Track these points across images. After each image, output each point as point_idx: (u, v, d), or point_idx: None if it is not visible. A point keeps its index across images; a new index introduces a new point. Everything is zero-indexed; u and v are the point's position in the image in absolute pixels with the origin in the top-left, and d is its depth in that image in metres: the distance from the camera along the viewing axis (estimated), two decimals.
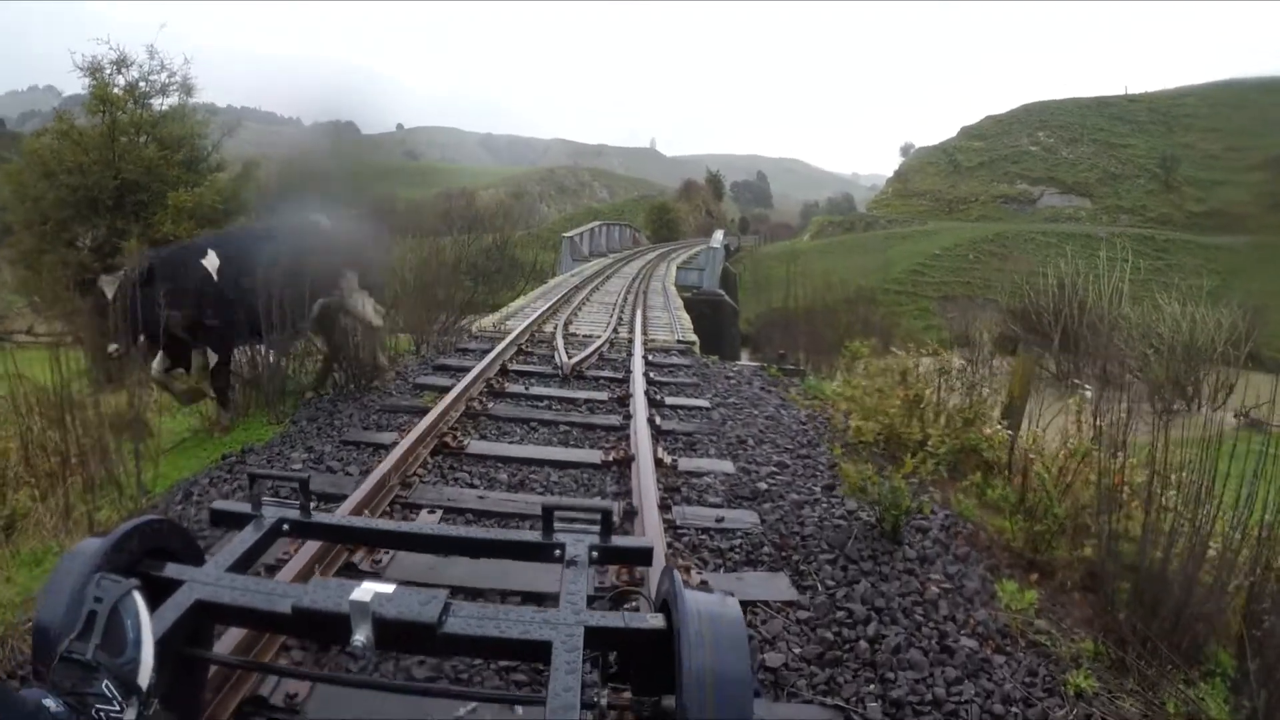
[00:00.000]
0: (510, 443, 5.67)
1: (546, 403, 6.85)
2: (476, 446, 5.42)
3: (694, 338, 11.06)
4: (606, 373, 8.16)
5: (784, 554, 4.04)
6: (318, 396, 7.23)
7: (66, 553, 1.93)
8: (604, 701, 1.91)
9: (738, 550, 4.04)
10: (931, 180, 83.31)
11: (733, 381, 8.56)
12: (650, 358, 9.07)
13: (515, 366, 8.17)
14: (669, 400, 7.02)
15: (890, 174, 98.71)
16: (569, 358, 8.16)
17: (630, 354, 9.04)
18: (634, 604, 2.54)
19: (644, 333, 10.92)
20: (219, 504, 2.49)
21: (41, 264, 13.88)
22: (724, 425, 6.44)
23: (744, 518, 4.41)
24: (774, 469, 5.34)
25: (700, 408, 6.98)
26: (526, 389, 7.20)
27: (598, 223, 39.69)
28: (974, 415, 6.33)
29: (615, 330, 11.16)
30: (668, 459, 5.22)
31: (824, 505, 4.67)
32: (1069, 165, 77.40)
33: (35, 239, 13.84)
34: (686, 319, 13.33)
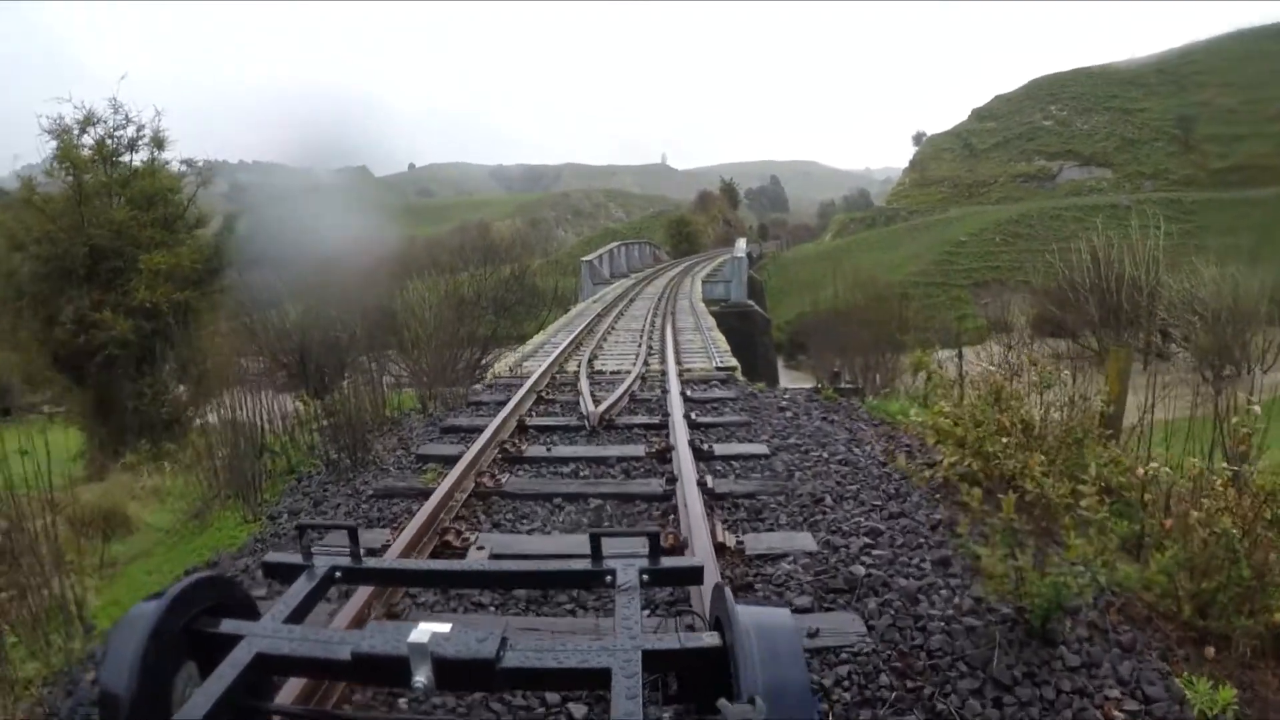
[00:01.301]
0: (529, 531, 4.58)
1: (572, 467, 5.74)
2: (487, 540, 4.33)
3: (734, 362, 9.97)
4: (640, 418, 7.03)
5: (909, 684, 2.92)
6: (307, 477, 6.21)
7: (122, 619, 1.99)
8: None
9: (846, 684, 2.91)
10: (948, 166, 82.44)
11: (788, 414, 7.44)
12: (689, 392, 7.97)
13: (535, 420, 7.09)
14: (719, 450, 5.89)
15: (903, 165, 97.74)
16: (595, 405, 7.04)
17: (666, 390, 7.95)
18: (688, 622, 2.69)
19: (678, 362, 9.84)
20: (271, 556, 2.60)
21: (19, 342, 13.00)
22: (791, 479, 5.31)
23: (844, 626, 3.28)
24: (866, 540, 4.19)
25: (758, 456, 5.85)
26: (549, 450, 6.09)
27: (616, 243, 38.76)
28: (1083, 433, 5.17)
29: (645, 362, 10.07)
30: (730, 539, 4.11)
31: (943, 593, 3.54)
32: (1085, 136, 76.46)
33: (12, 316, 12.92)
34: (722, 340, 12.24)
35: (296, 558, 2.49)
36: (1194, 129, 69.61)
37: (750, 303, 29.12)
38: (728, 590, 1.96)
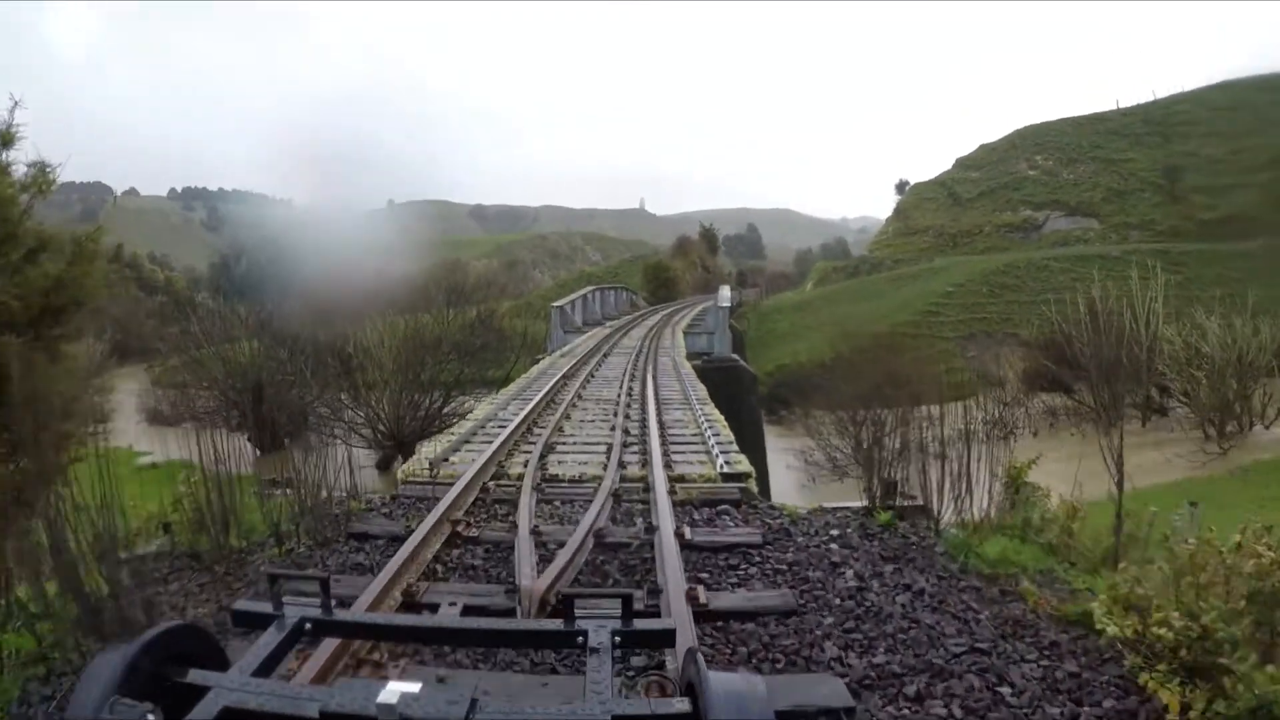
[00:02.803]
0: None
1: None
2: None
3: (743, 463, 7.14)
4: (609, 603, 4.20)
5: None
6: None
7: (89, 667, 1.97)
8: None
9: None
10: (932, 215, 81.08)
11: (846, 573, 4.72)
12: (689, 532, 5.21)
13: (434, 590, 4.27)
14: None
15: (879, 214, 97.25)
16: (537, 572, 4.21)
17: (652, 525, 5.16)
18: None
19: (666, 465, 7.01)
20: (240, 604, 2.57)
21: None
22: None
23: None
24: None
25: (840, 712, 3.09)
26: (441, 681, 3.33)
27: (591, 288, 36.13)
28: None
29: (621, 462, 7.25)
30: None
31: None
32: (1071, 186, 75.53)
33: None
34: (719, 420, 9.36)
35: (267, 606, 2.43)
36: (1180, 179, 68.59)
37: (735, 357, 26.55)
38: (699, 655, 1.98)
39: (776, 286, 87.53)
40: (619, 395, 11.80)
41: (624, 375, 14.39)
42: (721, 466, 6.92)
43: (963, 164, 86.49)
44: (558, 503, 5.91)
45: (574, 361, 16.27)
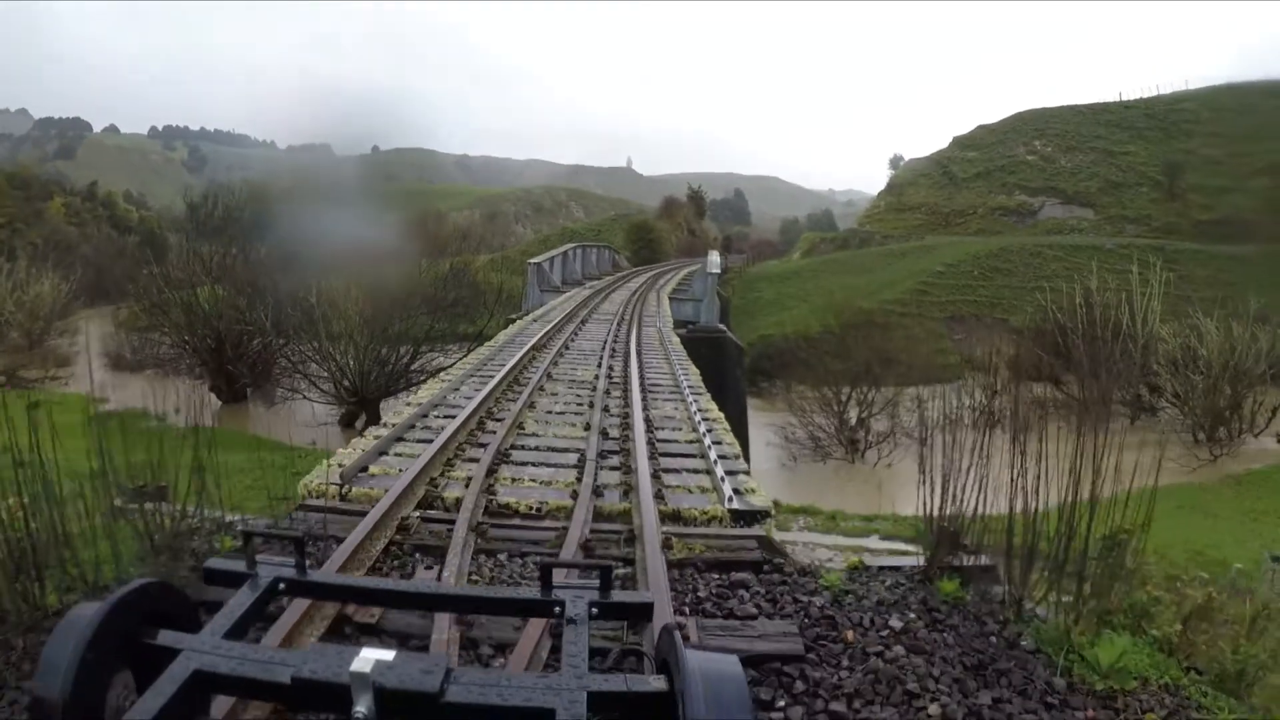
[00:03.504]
0: None
1: None
2: None
3: (762, 497, 5.39)
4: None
5: None
6: None
7: (61, 622, 1.93)
8: None
9: None
10: (925, 193, 79.64)
11: (928, 708, 3.08)
12: (699, 633, 3.44)
13: None
14: None
15: (866, 188, 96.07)
16: None
17: (642, 611, 3.45)
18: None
19: (658, 497, 5.18)
20: (213, 562, 2.54)
21: None
22: None
23: None
24: None
25: None
26: None
27: (572, 245, 34.26)
28: None
29: (597, 488, 5.43)
30: None
31: None
32: (1068, 174, 74.19)
33: None
34: (719, 421, 7.53)
35: (240, 565, 2.39)
36: (1180, 177, 67.28)
37: (722, 327, 24.94)
38: (677, 634, 1.94)
39: (762, 254, 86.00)
40: (596, 377, 10.04)
41: (603, 349, 12.64)
42: (730, 499, 5.19)
43: (960, 143, 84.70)
44: (504, 555, 4.18)
45: (547, 329, 14.49)
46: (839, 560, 4.81)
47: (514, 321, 18.86)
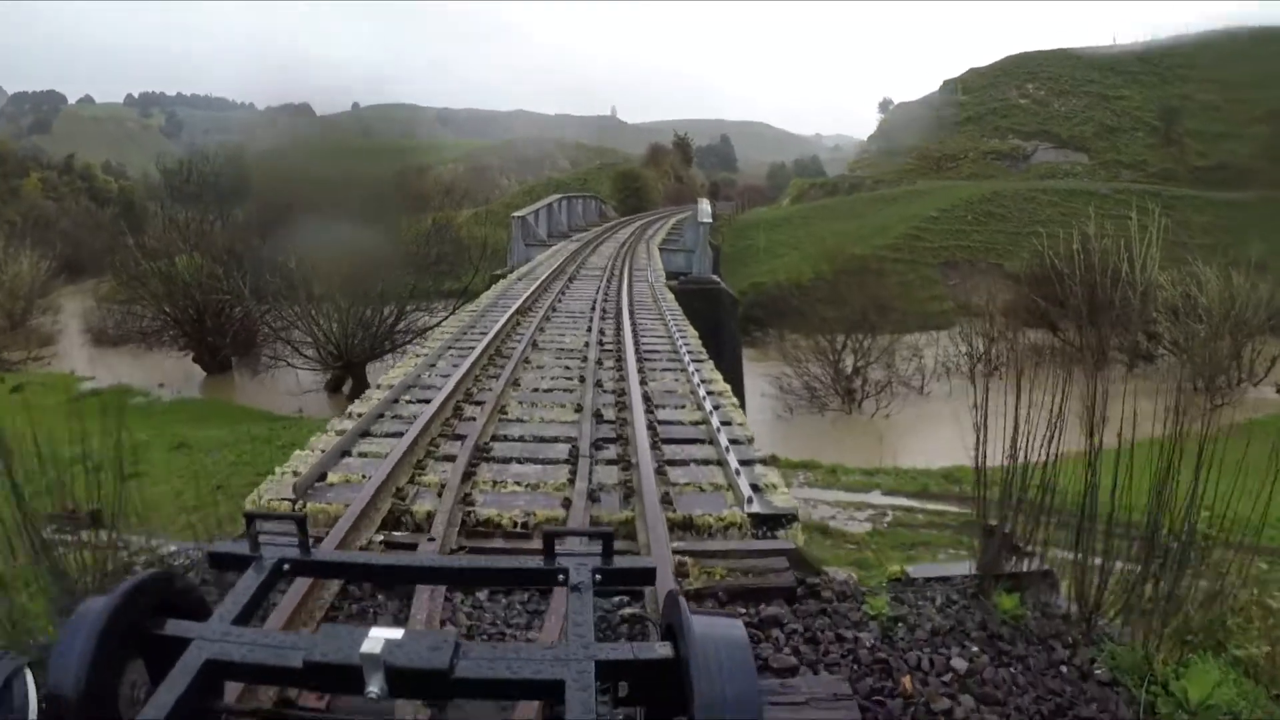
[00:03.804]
0: None
1: None
2: None
3: (785, 496, 4.55)
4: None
5: None
6: None
7: (69, 621, 1.90)
8: None
9: None
10: (916, 137, 78.55)
11: None
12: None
13: None
14: None
15: (854, 133, 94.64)
16: None
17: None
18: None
19: (664, 501, 4.36)
20: (217, 546, 2.62)
21: None
22: None
23: None
24: None
25: None
26: None
27: (558, 196, 33.16)
28: None
29: (592, 492, 4.63)
30: None
31: None
32: (1062, 118, 73.09)
33: None
34: (727, 395, 6.67)
35: (243, 548, 2.35)
36: (1177, 122, 66.23)
37: (716, 279, 24.14)
38: (682, 600, 1.93)
39: (750, 201, 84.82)
40: (586, 345, 9.21)
41: (593, 310, 11.78)
42: (749, 500, 4.39)
43: (950, 86, 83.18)
44: (484, 594, 3.39)
45: (533, 287, 13.60)
46: (886, 589, 4.02)
47: (499, 279, 17.98)
